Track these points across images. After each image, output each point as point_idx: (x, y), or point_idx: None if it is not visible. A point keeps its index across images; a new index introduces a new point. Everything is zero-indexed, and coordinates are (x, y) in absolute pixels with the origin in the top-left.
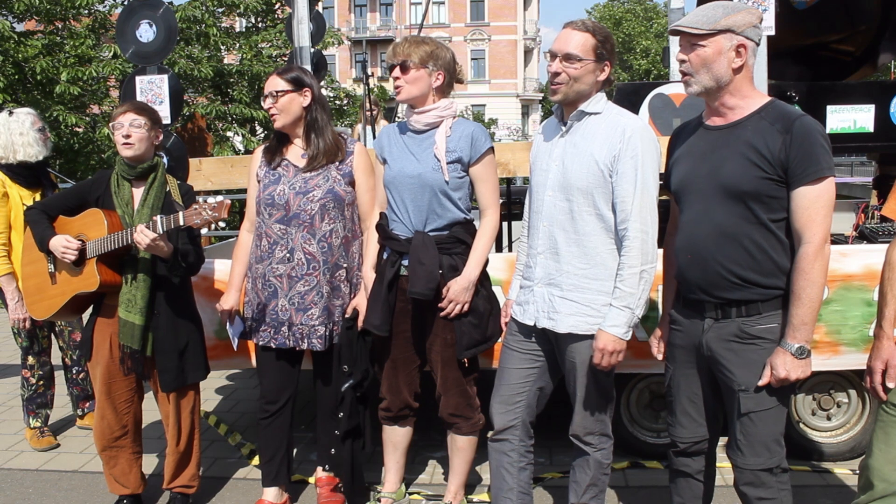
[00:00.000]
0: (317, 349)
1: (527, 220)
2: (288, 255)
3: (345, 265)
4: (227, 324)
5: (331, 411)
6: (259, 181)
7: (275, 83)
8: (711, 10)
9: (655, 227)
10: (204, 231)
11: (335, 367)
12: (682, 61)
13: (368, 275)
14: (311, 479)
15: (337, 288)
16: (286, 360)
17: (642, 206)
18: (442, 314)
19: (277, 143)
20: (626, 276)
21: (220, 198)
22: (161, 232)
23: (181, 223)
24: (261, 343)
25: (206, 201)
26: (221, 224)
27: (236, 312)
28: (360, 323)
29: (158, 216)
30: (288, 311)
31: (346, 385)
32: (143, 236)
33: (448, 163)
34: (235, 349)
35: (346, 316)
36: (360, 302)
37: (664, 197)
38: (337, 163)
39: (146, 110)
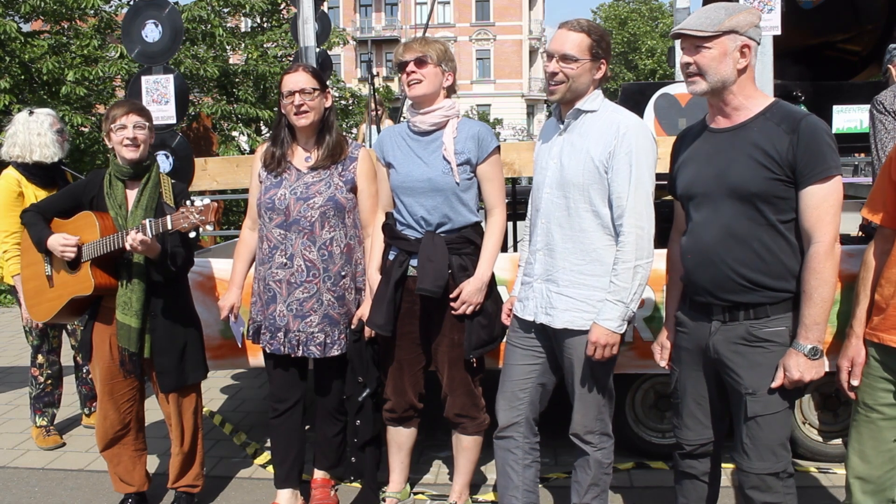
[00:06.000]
0: (314, 356)
1: (529, 219)
2: (287, 260)
3: (348, 273)
4: (231, 321)
5: (331, 418)
6: (261, 182)
7: (306, 80)
8: (713, 12)
9: (651, 223)
10: (209, 229)
11: (339, 376)
12: (687, 64)
13: (374, 277)
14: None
15: (342, 297)
16: (292, 361)
17: (637, 201)
18: (454, 313)
19: (282, 144)
20: (620, 270)
21: (206, 200)
22: (151, 235)
23: (169, 227)
24: (260, 345)
25: (192, 204)
26: (209, 228)
27: (238, 309)
28: (366, 331)
29: (148, 220)
30: (286, 316)
31: (364, 395)
32: (133, 242)
33: (457, 165)
34: (240, 346)
35: (353, 327)
36: (365, 311)
37: (667, 198)
38: (340, 168)
39: (145, 112)
